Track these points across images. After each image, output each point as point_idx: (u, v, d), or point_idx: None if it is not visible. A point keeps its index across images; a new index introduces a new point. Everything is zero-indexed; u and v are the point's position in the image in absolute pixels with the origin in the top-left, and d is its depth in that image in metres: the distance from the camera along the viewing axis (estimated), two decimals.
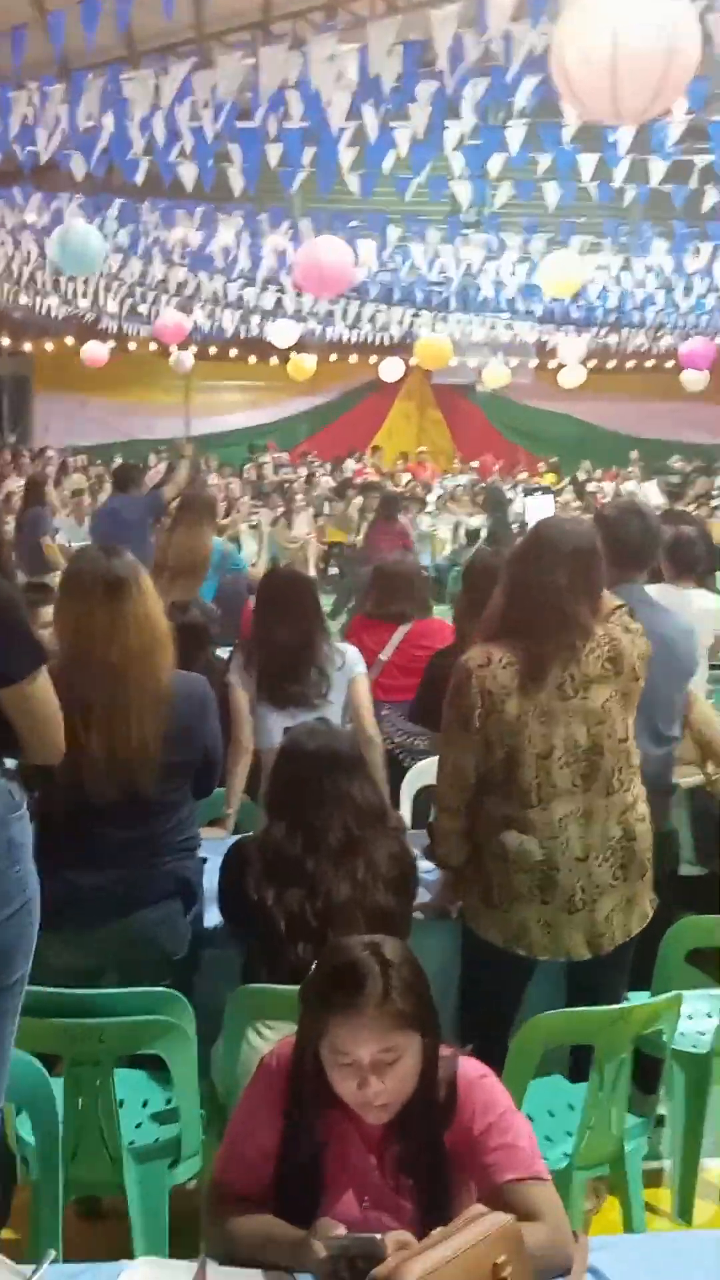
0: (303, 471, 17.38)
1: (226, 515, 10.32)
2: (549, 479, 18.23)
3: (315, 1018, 1.76)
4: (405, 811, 3.95)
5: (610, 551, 3.28)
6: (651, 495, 12.44)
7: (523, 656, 2.56)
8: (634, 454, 19.27)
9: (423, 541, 12.54)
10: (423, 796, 3.99)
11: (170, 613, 3.78)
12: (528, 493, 3.11)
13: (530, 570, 2.60)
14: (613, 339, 16.83)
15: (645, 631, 2.74)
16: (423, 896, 2.77)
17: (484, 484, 16.11)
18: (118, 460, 13.40)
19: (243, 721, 3.58)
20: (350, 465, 18.66)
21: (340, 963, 1.75)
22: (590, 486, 17.76)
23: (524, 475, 18.71)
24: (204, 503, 5.96)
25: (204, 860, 2.90)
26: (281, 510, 12.99)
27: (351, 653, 3.69)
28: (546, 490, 3.07)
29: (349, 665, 3.64)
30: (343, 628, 9.19)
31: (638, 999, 2.61)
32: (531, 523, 3.06)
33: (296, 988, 1.87)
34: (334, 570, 12.63)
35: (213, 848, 3.17)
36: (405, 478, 17.27)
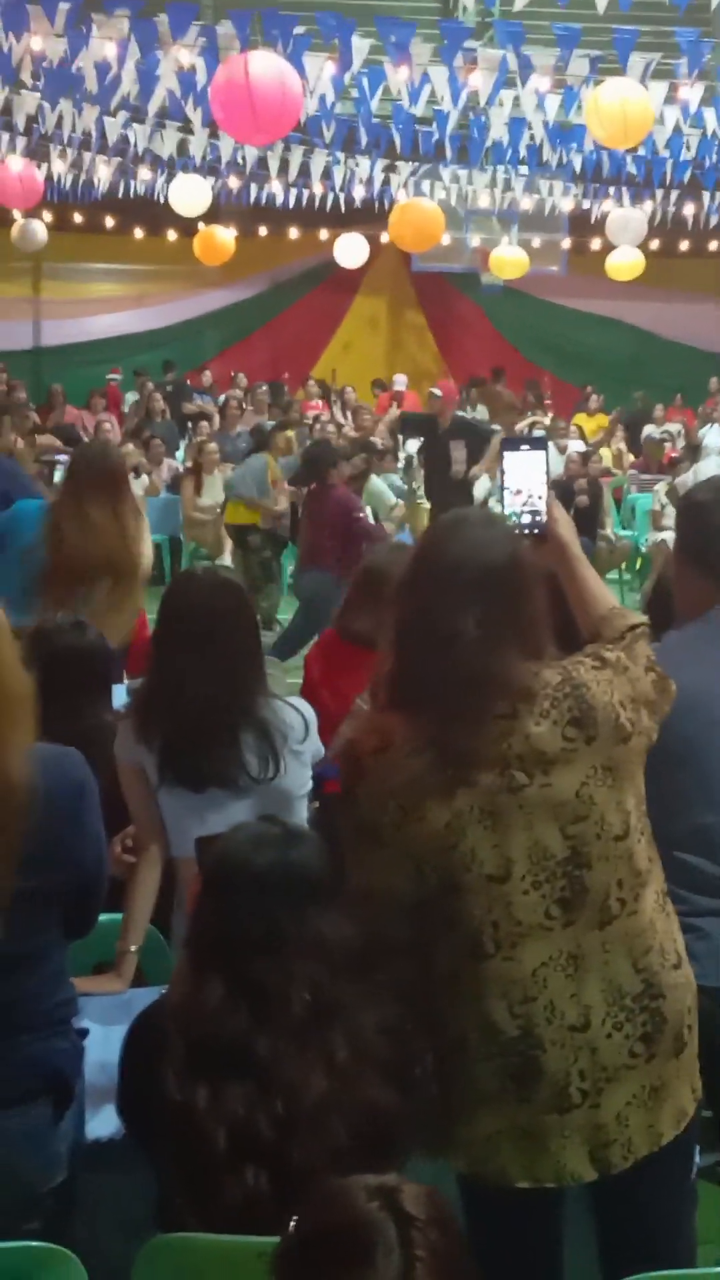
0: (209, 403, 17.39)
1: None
2: (594, 424, 18.27)
3: None
4: None
5: (705, 556, 3.33)
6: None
7: (435, 737, 2.54)
8: (715, 381, 19.47)
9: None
10: None
11: (37, 638, 3.75)
12: (508, 445, 2.90)
13: (418, 611, 2.60)
14: (688, 208, 17.04)
15: None
16: None
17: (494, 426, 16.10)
18: None
19: (146, 817, 3.58)
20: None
21: (335, 1225, 1.71)
22: (652, 430, 17.92)
23: (543, 417, 18.61)
24: (111, 466, 5.81)
25: (84, 1034, 2.90)
26: (189, 465, 12.98)
27: (310, 714, 3.69)
28: (536, 442, 2.88)
29: (313, 735, 3.66)
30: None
31: None
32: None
33: (247, 1241, 1.80)
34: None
35: (100, 1012, 3.16)
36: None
